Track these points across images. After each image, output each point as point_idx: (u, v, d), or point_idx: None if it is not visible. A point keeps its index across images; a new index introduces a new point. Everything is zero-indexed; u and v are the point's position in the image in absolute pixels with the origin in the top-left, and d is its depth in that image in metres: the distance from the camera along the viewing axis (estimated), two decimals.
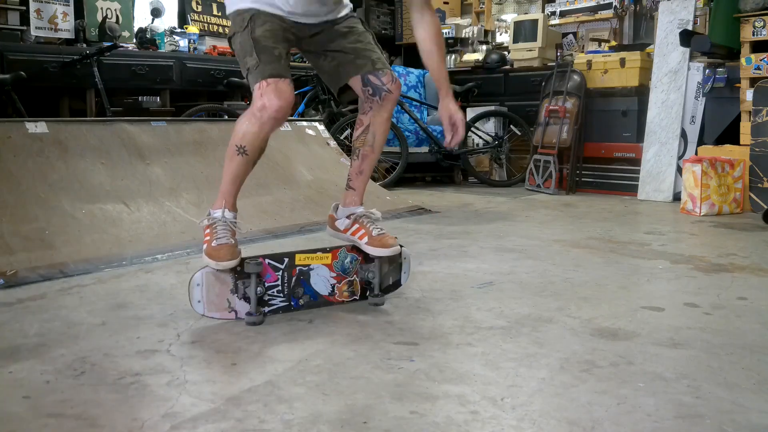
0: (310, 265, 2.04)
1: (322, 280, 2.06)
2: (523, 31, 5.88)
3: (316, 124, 4.36)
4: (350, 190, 2.15)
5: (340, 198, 2.22)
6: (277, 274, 2.01)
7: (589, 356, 1.62)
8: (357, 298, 2.10)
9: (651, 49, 5.01)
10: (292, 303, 2.01)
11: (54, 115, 4.55)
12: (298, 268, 2.02)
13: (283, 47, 1.95)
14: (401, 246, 2.10)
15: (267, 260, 1.98)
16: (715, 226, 3.57)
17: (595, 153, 5.12)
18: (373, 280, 2.08)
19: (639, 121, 4.89)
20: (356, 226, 2.11)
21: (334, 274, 2.07)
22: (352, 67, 2.05)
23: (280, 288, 2.00)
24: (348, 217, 2.13)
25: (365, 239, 2.06)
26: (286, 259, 2.01)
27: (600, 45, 5.64)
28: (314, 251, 2.06)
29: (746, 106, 4.19)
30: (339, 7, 2.06)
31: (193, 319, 1.92)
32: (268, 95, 1.84)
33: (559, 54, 5.60)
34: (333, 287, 2.07)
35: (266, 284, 1.98)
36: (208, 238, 1.92)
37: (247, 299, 1.92)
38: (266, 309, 1.97)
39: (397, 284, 2.17)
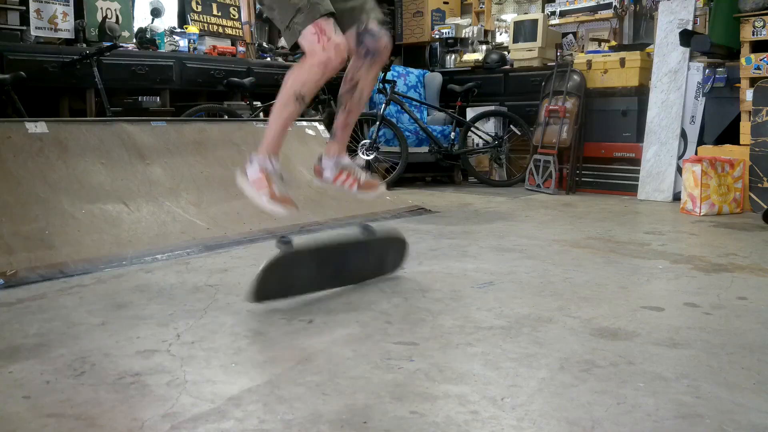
0: None
1: None
2: (523, 31, 5.88)
3: (316, 124, 4.36)
4: (334, 142, 2.27)
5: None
6: None
7: (589, 356, 1.62)
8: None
9: (651, 49, 5.01)
10: None
11: (54, 115, 4.55)
12: None
13: None
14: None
15: None
16: (715, 226, 3.57)
17: (595, 153, 5.12)
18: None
19: (639, 121, 4.89)
20: (344, 175, 2.25)
21: None
22: (351, 15, 2.08)
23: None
24: (335, 167, 2.27)
25: (355, 187, 2.24)
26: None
27: (600, 45, 5.64)
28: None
29: (746, 106, 4.19)
30: None
31: (193, 319, 1.92)
32: (333, 47, 1.89)
33: (559, 54, 5.60)
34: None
35: None
36: (266, 187, 2.02)
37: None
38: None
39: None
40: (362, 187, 2.22)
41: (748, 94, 4.16)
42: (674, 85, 4.65)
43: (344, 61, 1.95)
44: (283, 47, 6.30)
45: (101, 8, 5.00)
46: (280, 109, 2.01)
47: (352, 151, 5.07)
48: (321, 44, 1.88)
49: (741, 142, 4.22)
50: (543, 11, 6.21)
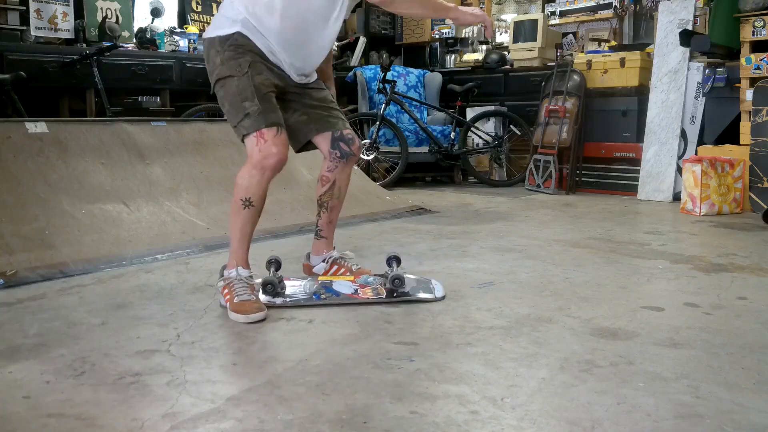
0: (332, 281, 2.17)
1: (344, 286, 2.14)
2: (523, 31, 5.88)
3: None
4: (322, 239, 2.32)
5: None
6: (300, 282, 2.17)
7: (589, 356, 1.62)
8: (383, 298, 2.09)
9: (651, 49, 5.01)
10: (314, 297, 2.07)
11: (54, 115, 4.55)
12: (321, 281, 2.16)
13: (276, 100, 2.04)
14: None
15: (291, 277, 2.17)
16: (715, 226, 3.57)
17: (595, 153, 5.12)
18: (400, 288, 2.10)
19: (639, 121, 4.89)
20: (335, 267, 2.29)
21: (357, 284, 2.16)
22: (324, 124, 2.18)
23: (302, 289, 2.11)
24: (324, 261, 2.32)
25: (348, 275, 2.24)
26: (309, 277, 2.17)
27: (600, 45, 5.64)
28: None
29: (746, 106, 4.19)
30: (314, 74, 2.22)
31: (193, 319, 1.92)
32: (270, 148, 1.93)
33: (559, 54, 5.60)
34: (356, 290, 2.12)
35: (289, 286, 2.11)
36: (228, 297, 1.97)
37: (267, 293, 2.04)
38: (288, 299, 2.04)
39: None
40: (356, 274, 2.25)
41: (748, 94, 4.16)
42: (674, 85, 4.65)
43: (283, 162, 1.98)
44: None
45: (101, 8, 5.00)
46: (233, 219, 2.03)
47: None
48: (258, 147, 1.94)
49: (741, 142, 4.22)
50: (543, 11, 6.21)
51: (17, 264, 2.41)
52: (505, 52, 6.11)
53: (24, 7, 4.52)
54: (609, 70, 5.09)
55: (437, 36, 6.58)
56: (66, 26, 4.75)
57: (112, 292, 2.23)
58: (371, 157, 5.11)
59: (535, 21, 5.82)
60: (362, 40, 6.45)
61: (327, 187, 2.26)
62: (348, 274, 2.24)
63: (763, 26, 4.10)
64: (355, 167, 4.26)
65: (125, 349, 1.67)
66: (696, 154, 4.42)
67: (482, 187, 5.52)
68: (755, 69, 4.14)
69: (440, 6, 2.18)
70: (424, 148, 5.59)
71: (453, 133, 5.50)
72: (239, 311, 1.90)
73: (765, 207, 3.88)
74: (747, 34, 4.19)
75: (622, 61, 5.00)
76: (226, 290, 1.99)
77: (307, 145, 2.25)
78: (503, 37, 6.46)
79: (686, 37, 4.52)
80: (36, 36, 4.60)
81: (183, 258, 2.74)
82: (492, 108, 5.74)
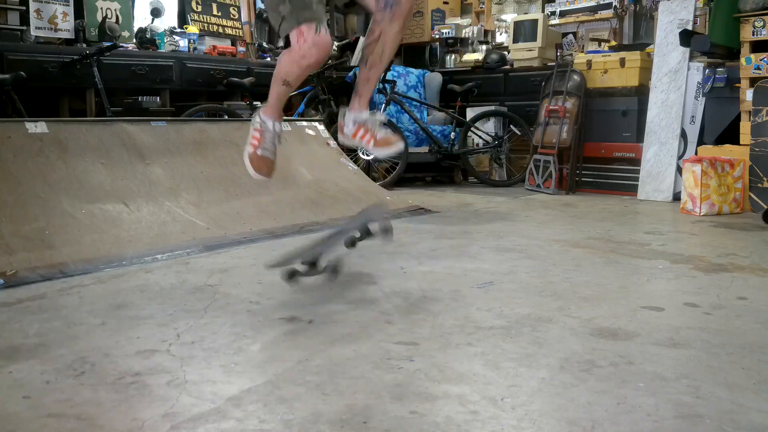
0: None
1: None
2: (523, 31, 5.88)
3: (316, 124, 4.36)
4: (356, 96, 2.31)
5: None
6: None
7: (589, 356, 1.62)
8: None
9: (651, 49, 5.01)
10: None
11: (54, 115, 4.55)
12: None
13: None
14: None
15: None
16: (715, 226, 3.57)
17: (595, 153, 5.12)
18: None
19: (639, 121, 4.89)
20: (362, 130, 2.27)
21: None
22: None
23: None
24: (354, 122, 2.30)
25: (371, 143, 2.24)
26: None
27: (600, 45, 5.64)
28: None
29: (746, 106, 4.19)
30: None
31: (193, 319, 1.92)
32: (309, 47, 2.00)
33: (559, 54, 5.60)
34: None
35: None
36: (255, 142, 2.15)
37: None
38: None
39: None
40: (378, 143, 2.23)
41: (748, 94, 4.16)
42: (674, 85, 4.65)
43: (322, 59, 2.06)
44: (283, 47, 6.31)
45: (101, 8, 5.00)
46: (273, 85, 2.16)
47: (352, 151, 5.08)
48: (298, 45, 2.03)
49: (741, 142, 4.22)
50: (543, 11, 6.21)
51: (17, 264, 2.41)
52: (505, 52, 6.11)
53: (24, 7, 4.52)
54: (609, 70, 5.09)
55: (437, 36, 6.57)
56: (66, 26, 4.75)
57: (112, 292, 2.23)
58: (371, 157, 5.11)
59: (535, 21, 5.83)
60: (362, 40, 6.44)
61: (371, 39, 2.21)
62: (372, 141, 2.23)
63: (763, 26, 4.10)
64: (355, 167, 4.27)
65: (125, 349, 1.67)
66: (696, 154, 4.42)
67: (482, 187, 5.52)
68: (755, 69, 4.14)
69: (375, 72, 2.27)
70: (424, 148, 5.59)
71: (453, 133, 5.51)
72: (253, 165, 2.11)
73: (765, 207, 3.88)
74: (747, 34, 4.19)
75: (622, 61, 5.00)
76: (257, 134, 2.15)
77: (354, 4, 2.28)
78: (503, 37, 6.46)
79: (686, 37, 4.52)
80: (36, 36, 4.60)
81: (183, 258, 2.74)
82: (492, 108, 5.74)
